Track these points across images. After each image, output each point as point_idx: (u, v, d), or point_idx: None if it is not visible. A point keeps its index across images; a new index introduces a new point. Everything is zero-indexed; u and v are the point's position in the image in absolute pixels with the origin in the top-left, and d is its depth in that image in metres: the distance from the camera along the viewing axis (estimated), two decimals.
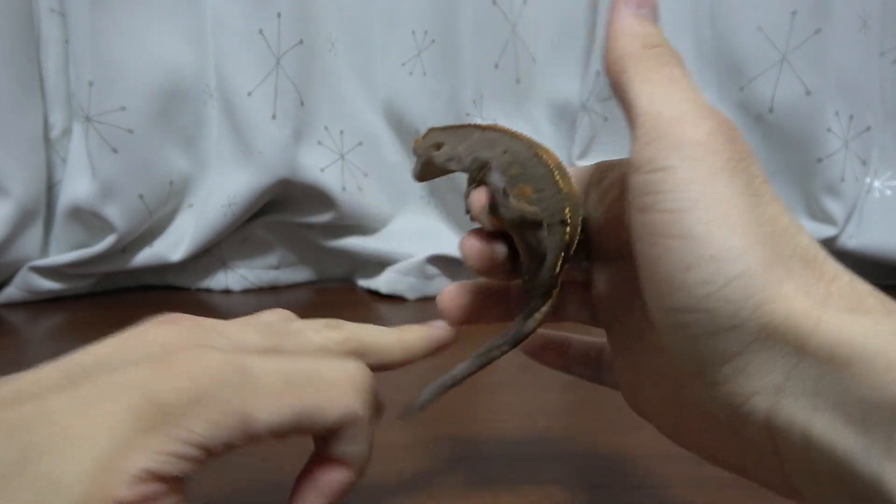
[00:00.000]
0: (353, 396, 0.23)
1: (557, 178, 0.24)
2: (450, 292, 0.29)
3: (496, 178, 0.24)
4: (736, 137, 0.20)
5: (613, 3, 0.24)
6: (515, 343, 0.26)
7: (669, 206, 0.19)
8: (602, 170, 0.26)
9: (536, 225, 0.24)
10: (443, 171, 0.27)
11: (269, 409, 0.20)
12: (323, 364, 0.23)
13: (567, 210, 0.24)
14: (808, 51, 0.65)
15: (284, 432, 0.21)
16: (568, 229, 0.24)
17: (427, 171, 0.28)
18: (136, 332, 0.23)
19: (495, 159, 0.24)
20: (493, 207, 0.24)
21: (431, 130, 0.27)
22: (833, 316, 0.17)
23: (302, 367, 0.22)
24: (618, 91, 0.22)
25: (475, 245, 0.26)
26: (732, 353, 0.18)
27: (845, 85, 0.66)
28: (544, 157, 0.24)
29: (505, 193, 0.24)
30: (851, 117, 0.67)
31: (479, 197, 0.25)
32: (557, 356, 0.31)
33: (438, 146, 0.26)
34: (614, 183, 0.25)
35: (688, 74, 0.22)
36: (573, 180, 0.25)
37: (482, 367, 0.26)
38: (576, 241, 0.25)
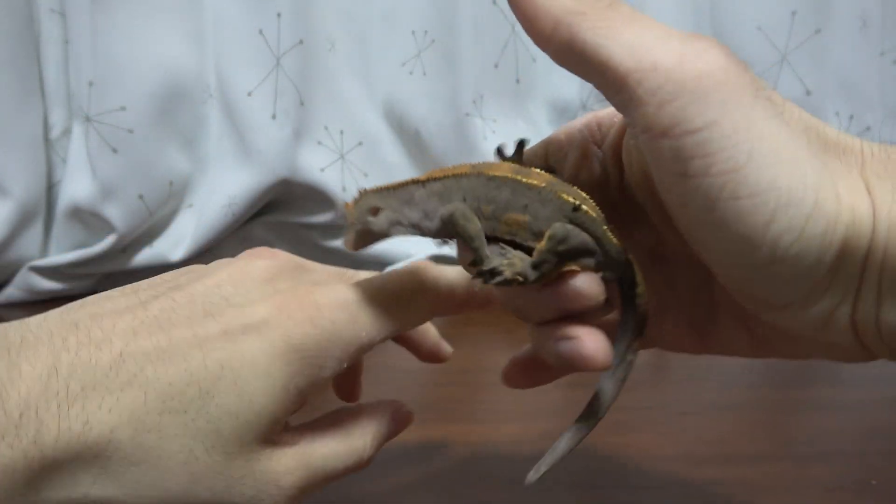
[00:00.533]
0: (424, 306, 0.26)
1: (524, 180, 0.22)
2: (510, 376, 0.29)
3: (492, 251, 0.22)
4: (736, 58, 0.19)
5: None
6: (640, 331, 0.23)
7: (725, 167, 0.17)
8: (595, 127, 0.25)
9: (564, 235, 0.21)
10: (382, 236, 0.24)
11: (372, 332, 0.23)
12: (394, 283, 0.25)
13: (563, 195, 0.22)
14: (808, 51, 0.65)
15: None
16: (584, 207, 0.22)
17: (363, 239, 0.25)
18: (239, 264, 0.24)
19: (459, 211, 0.22)
20: (540, 277, 0.22)
21: (364, 194, 0.24)
22: (884, 201, 0.18)
23: (381, 290, 0.24)
24: (572, 57, 0.20)
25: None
26: (819, 281, 0.18)
27: (845, 85, 0.66)
28: (497, 173, 0.22)
29: (518, 248, 0.22)
30: (851, 117, 0.67)
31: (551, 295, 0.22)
32: (544, 370, 0.29)
33: (376, 211, 0.23)
34: (618, 143, 0.25)
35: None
36: (538, 170, 0.23)
37: (625, 380, 0.24)
38: (596, 209, 0.22)
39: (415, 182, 0.23)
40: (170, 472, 0.20)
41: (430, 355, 0.32)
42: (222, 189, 0.68)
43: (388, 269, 0.70)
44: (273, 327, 0.22)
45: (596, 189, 0.24)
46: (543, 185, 0.22)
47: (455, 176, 0.22)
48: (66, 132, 0.69)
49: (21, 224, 0.66)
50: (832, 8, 0.64)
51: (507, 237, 0.22)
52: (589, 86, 0.68)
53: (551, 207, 0.22)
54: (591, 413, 0.25)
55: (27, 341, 0.20)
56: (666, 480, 0.34)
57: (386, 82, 0.72)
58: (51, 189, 0.69)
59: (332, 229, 0.73)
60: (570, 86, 0.72)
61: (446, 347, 0.32)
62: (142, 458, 0.20)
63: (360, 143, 0.72)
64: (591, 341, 0.22)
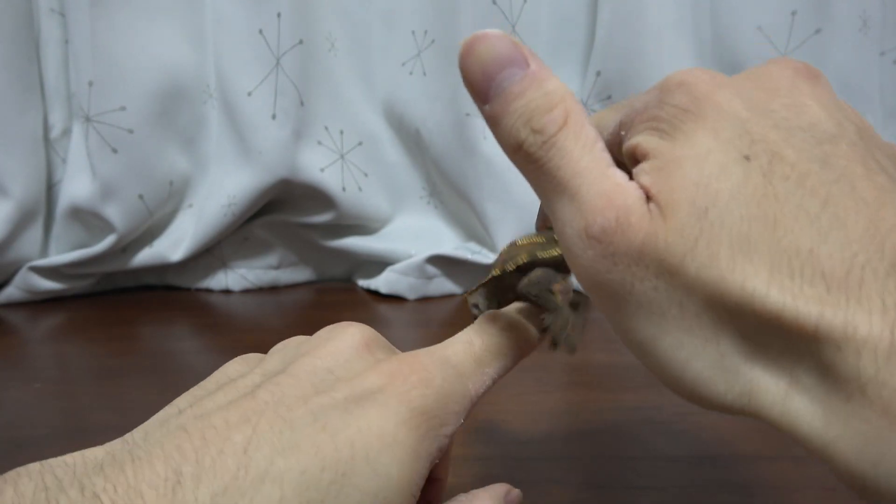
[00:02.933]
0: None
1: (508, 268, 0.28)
2: None
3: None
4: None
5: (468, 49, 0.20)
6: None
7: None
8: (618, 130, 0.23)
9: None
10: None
11: (478, 384, 0.24)
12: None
13: (495, 270, 0.28)
14: (808, 51, 0.65)
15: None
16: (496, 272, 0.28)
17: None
18: (330, 336, 0.24)
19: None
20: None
21: (466, 295, 0.31)
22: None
23: (472, 344, 0.25)
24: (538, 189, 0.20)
25: None
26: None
27: (845, 85, 0.66)
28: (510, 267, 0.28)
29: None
30: None
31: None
32: None
33: (477, 306, 0.30)
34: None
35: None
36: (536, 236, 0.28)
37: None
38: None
39: (496, 278, 0.29)
40: None
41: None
42: (222, 189, 0.68)
43: (388, 269, 0.70)
44: (389, 394, 0.21)
45: None
46: (521, 243, 0.28)
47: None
48: (66, 132, 0.69)
49: (21, 224, 0.66)
50: (832, 8, 0.64)
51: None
52: (589, 86, 0.68)
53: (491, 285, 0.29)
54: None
55: (139, 458, 0.18)
56: (666, 480, 0.34)
57: (386, 82, 0.72)
58: (51, 189, 0.70)
59: (332, 229, 0.73)
60: (571, 86, 0.72)
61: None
62: None
63: (360, 143, 0.72)
64: None
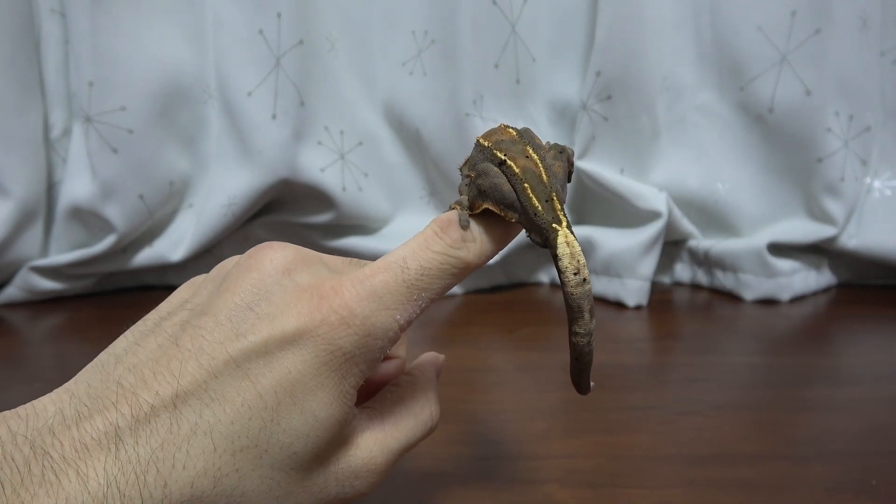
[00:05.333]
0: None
1: (480, 139, 0.26)
2: None
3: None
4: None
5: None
6: (577, 313, 0.24)
7: None
8: None
9: (485, 175, 0.25)
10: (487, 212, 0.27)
11: (406, 312, 0.23)
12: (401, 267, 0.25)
13: (498, 151, 0.25)
14: (808, 51, 0.65)
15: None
16: (509, 162, 0.24)
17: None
18: (251, 263, 0.24)
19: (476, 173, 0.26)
20: (468, 205, 0.26)
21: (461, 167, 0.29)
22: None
23: (404, 268, 0.24)
24: None
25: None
26: None
27: (845, 85, 0.66)
28: (481, 138, 0.27)
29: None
30: (851, 117, 0.67)
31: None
32: None
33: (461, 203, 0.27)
34: None
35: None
36: (519, 138, 0.26)
37: (580, 361, 0.25)
38: (537, 169, 0.24)
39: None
40: None
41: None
42: (222, 189, 0.68)
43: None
44: (310, 337, 0.22)
45: None
46: (486, 142, 0.26)
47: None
48: (66, 132, 0.69)
49: (21, 224, 0.66)
50: (832, 8, 0.64)
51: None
52: (589, 86, 0.68)
53: (486, 159, 0.26)
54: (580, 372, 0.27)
55: (83, 416, 0.20)
56: (666, 480, 0.34)
57: (386, 82, 0.72)
58: (51, 189, 0.70)
59: (332, 229, 0.73)
60: (570, 86, 0.72)
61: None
62: (226, 502, 0.20)
63: (361, 143, 0.72)
64: None
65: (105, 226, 0.67)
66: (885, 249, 0.68)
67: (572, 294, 0.24)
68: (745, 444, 0.38)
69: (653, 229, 0.67)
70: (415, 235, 0.25)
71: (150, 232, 0.71)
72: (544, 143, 0.27)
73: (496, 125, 0.27)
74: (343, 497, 0.23)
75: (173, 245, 0.71)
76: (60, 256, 0.68)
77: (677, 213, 0.70)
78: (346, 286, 0.23)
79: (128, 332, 0.24)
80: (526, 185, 0.24)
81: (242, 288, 0.23)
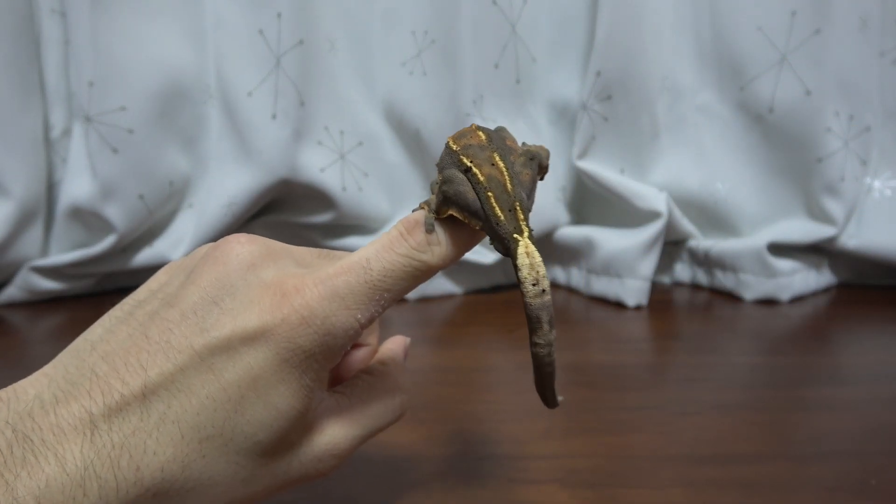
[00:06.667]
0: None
1: (450, 142, 0.26)
2: None
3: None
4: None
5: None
6: (535, 323, 0.24)
7: None
8: None
9: (450, 182, 0.25)
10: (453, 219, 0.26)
11: (368, 312, 0.24)
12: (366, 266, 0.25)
13: (464, 158, 0.25)
14: (808, 51, 0.65)
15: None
16: (474, 170, 0.25)
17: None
18: (218, 257, 0.24)
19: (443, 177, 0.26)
20: (434, 209, 0.26)
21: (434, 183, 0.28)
22: None
23: (367, 269, 0.24)
24: None
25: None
26: None
27: (845, 85, 0.66)
28: (450, 141, 0.26)
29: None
30: (851, 117, 0.67)
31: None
32: None
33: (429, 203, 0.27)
34: None
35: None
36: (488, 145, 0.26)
37: (541, 372, 0.26)
38: (502, 178, 0.24)
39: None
40: (224, 486, 0.22)
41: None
42: (222, 189, 0.68)
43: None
44: (271, 335, 0.22)
45: None
46: (455, 146, 0.26)
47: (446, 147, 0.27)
48: (67, 132, 0.69)
49: (21, 224, 0.66)
50: (832, 8, 0.64)
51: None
52: (589, 86, 0.68)
53: (453, 164, 0.26)
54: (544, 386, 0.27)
55: (60, 400, 0.21)
56: (666, 480, 0.34)
57: (386, 82, 0.72)
58: (51, 189, 0.70)
59: (332, 229, 0.73)
60: (571, 86, 0.72)
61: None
62: (195, 484, 0.21)
63: (360, 143, 0.72)
64: None
65: (105, 226, 0.67)
66: (885, 249, 0.68)
67: (531, 304, 0.24)
68: (745, 444, 0.38)
69: (653, 229, 0.67)
70: (381, 235, 0.25)
71: (150, 232, 0.71)
72: (519, 146, 0.27)
73: (468, 126, 0.27)
74: (306, 477, 0.25)
75: (173, 245, 0.71)
76: (60, 256, 0.68)
77: (677, 213, 0.70)
78: (308, 285, 0.23)
79: (104, 317, 0.24)
80: (490, 193, 0.24)
81: (208, 281, 0.23)
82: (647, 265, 0.67)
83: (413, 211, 0.26)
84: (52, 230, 0.70)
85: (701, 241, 0.72)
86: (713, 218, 0.72)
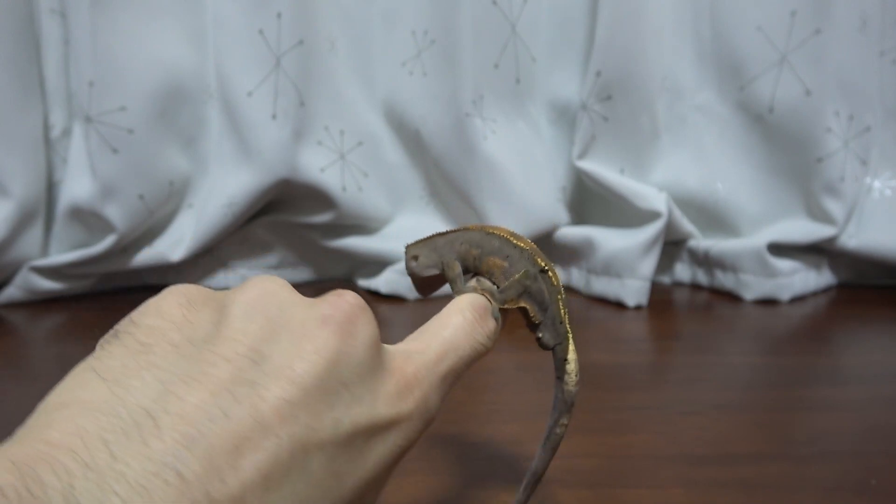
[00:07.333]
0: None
1: (513, 241, 0.28)
2: None
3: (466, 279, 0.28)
4: None
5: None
6: (569, 408, 0.28)
7: None
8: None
9: (533, 279, 0.27)
10: (433, 279, 0.30)
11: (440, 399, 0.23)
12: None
13: (538, 259, 0.27)
14: (808, 51, 0.65)
15: None
16: (550, 273, 0.27)
17: (419, 283, 0.31)
18: (345, 333, 0.20)
19: (455, 253, 0.29)
20: (504, 299, 0.28)
21: (408, 247, 0.31)
22: None
23: (455, 360, 0.24)
24: None
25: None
26: None
27: (845, 85, 0.66)
28: (494, 231, 0.28)
29: (481, 280, 0.28)
30: (851, 117, 0.67)
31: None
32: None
33: (416, 258, 0.30)
34: None
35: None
36: (528, 240, 0.28)
37: (554, 450, 0.28)
38: (559, 283, 0.27)
39: (440, 234, 0.30)
40: None
41: None
42: (222, 189, 0.68)
43: (388, 268, 0.70)
44: (396, 427, 0.21)
45: None
46: (526, 247, 0.28)
47: (464, 230, 0.29)
48: (67, 132, 0.69)
49: (21, 224, 0.66)
50: (832, 8, 0.64)
51: (486, 275, 0.28)
52: (589, 86, 0.68)
53: (526, 262, 0.27)
54: (530, 481, 0.28)
55: (43, 461, 0.14)
56: (666, 480, 0.34)
57: (386, 82, 0.72)
58: (51, 189, 0.70)
59: (332, 229, 0.73)
60: (570, 86, 0.72)
61: None
62: None
63: (360, 143, 0.72)
64: None
65: (105, 226, 0.67)
66: (885, 249, 0.68)
67: (571, 392, 0.27)
68: (745, 444, 0.38)
69: (653, 229, 0.67)
70: (452, 313, 0.26)
71: (150, 232, 0.71)
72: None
73: (501, 229, 0.29)
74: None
75: (173, 245, 0.71)
76: (60, 256, 0.68)
77: (677, 213, 0.70)
78: (423, 374, 0.23)
79: (145, 373, 0.17)
80: (559, 296, 0.27)
81: (246, 336, 0.19)
82: (647, 265, 0.67)
83: (458, 281, 0.28)
84: (52, 230, 0.70)
85: (701, 241, 0.72)
86: (713, 218, 0.72)
